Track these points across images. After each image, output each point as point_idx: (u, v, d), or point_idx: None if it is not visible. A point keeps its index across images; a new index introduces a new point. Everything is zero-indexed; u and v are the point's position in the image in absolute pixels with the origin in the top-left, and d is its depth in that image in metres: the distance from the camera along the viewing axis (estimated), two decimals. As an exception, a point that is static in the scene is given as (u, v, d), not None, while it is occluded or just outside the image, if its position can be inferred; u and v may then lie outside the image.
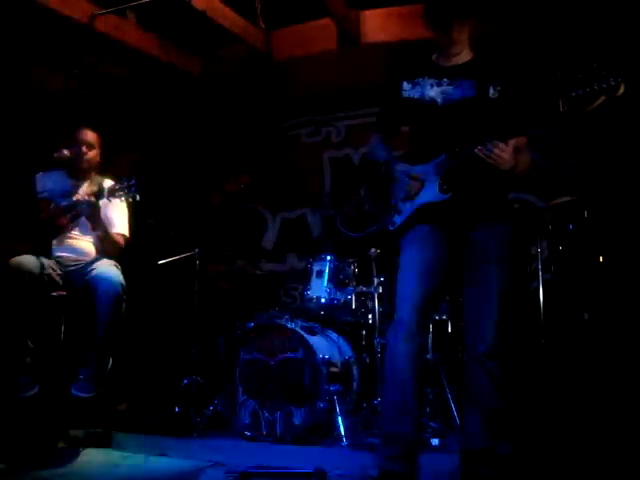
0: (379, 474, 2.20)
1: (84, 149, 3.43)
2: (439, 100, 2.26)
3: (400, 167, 2.34)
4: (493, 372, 2.17)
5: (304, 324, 3.68)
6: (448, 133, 2.21)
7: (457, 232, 2.25)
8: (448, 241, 2.26)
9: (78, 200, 3.20)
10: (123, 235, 3.46)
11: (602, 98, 1.90)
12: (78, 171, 3.47)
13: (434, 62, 2.36)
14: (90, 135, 3.48)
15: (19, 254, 3.15)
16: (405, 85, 2.34)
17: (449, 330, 3.79)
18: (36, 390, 3.07)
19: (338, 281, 3.77)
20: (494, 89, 2.22)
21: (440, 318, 3.78)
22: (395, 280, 2.36)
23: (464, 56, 2.31)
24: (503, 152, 2.09)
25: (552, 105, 2.00)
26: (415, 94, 2.31)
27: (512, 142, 2.12)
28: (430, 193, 2.25)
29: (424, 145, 2.31)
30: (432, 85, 2.28)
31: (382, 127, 2.54)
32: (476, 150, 2.11)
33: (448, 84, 2.26)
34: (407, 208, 2.32)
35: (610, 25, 3.79)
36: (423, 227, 2.29)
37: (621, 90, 1.87)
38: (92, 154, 3.47)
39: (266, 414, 3.39)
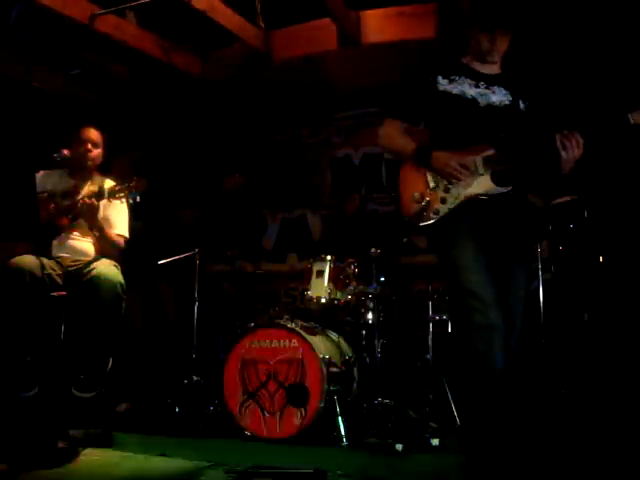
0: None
1: (89, 147, 3.43)
2: (479, 100, 2.28)
3: (444, 155, 2.27)
4: (515, 367, 2.18)
5: (304, 324, 3.68)
6: (493, 131, 2.23)
7: (498, 228, 2.26)
8: (490, 236, 2.25)
9: (78, 201, 3.20)
10: (123, 236, 3.46)
11: None
12: (81, 170, 3.47)
13: (468, 65, 2.37)
14: (95, 134, 3.48)
15: (19, 254, 3.15)
16: (441, 80, 2.33)
17: (449, 330, 3.79)
18: (36, 390, 3.06)
19: (338, 281, 3.77)
20: (523, 104, 2.29)
21: (440, 318, 3.78)
22: (395, 281, 2.37)
23: (497, 68, 2.35)
24: (577, 147, 2.10)
25: (623, 118, 2.05)
26: (453, 89, 2.31)
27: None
28: (482, 185, 2.24)
29: (467, 138, 2.29)
30: (470, 85, 2.30)
31: (409, 116, 2.47)
32: (557, 135, 2.11)
33: (485, 88, 2.29)
34: (453, 198, 2.27)
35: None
36: (470, 220, 2.25)
37: None
38: (96, 153, 3.47)
39: (266, 414, 3.39)
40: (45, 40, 4.36)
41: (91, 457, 2.79)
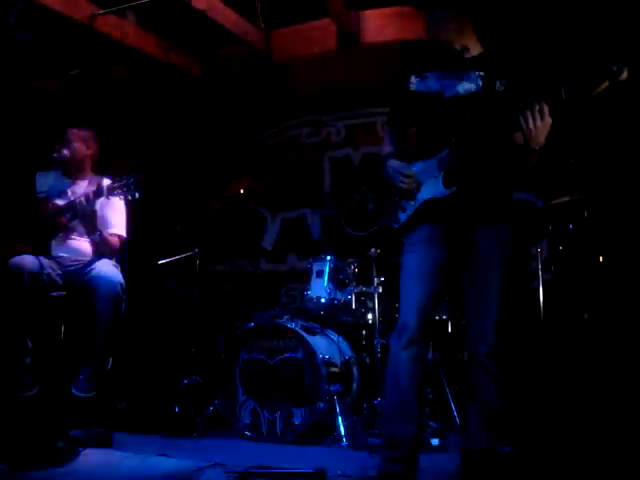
0: (379, 474, 2.21)
1: (64, 147, 3.44)
2: (444, 93, 2.25)
3: (393, 164, 2.33)
4: (494, 372, 2.17)
5: (304, 324, 3.68)
6: (452, 127, 2.20)
7: (459, 231, 2.24)
8: (450, 241, 2.25)
9: (75, 201, 3.19)
10: (119, 235, 3.45)
11: (605, 83, 1.90)
12: (70, 170, 3.47)
13: (443, 56, 2.35)
14: (70, 133, 3.49)
15: (19, 254, 3.15)
16: (413, 79, 2.35)
17: (449, 330, 3.79)
18: (36, 390, 3.07)
19: (338, 281, 3.77)
20: (500, 83, 2.21)
21: (440, 318, 3.78)
22: (395, 281, 2.36)
23: (472, 50, 2.30)
24: (540, 116, 2.00)
25: (555, 93, 1.98)
26: (422, 87, 2.31)
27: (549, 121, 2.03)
28: (433, 189, 2.23)
29: (428, 140, 2.30)
30: (439, 78, 2.28)
31: (393, 122, 2.53)
32: (521, 107, 2.02)
33: (455, 77, 2.25)
34: (411, 205, 2.30)
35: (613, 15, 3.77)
36: (425, 227, 2.28)
37: (624, 75, 1.88)
38: (70, 150, 3.45)
39: (266, 414, 3.39)
40: (45, 40, 4.36)
41: (91, 457, 2.79)
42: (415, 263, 2.27)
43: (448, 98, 2.24)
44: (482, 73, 2.21)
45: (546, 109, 1.99)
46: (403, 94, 2.38)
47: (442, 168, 2.21)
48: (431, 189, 2.24)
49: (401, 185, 2.28)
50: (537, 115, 2.00)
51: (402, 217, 2.34)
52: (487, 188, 2.23)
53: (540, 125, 2.00)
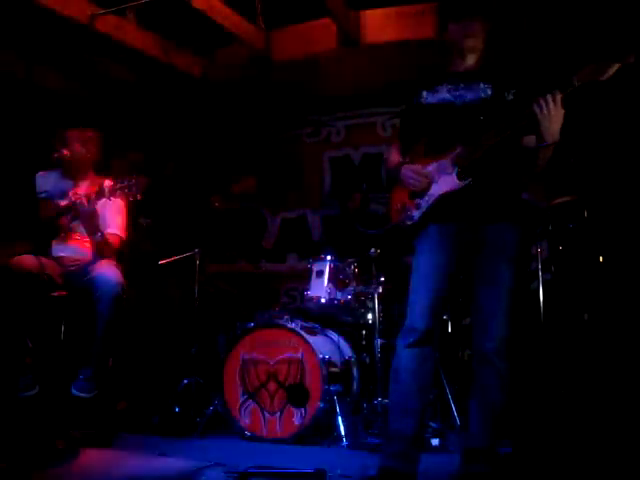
0: (378, 471, 2.22)
1: (63, 149, 3.44)
2: (456, 102, 2.31)
3: (410, 167, 2.37)
4: (500, 371, 2.19)
5: (304, 324, 3.68)
6: (464, 127, 2.25)
7: (469, 228, 2.27)
8: (461, 240, 2.28)
9: (75, 200, 3.19)
10: (119, 236, 3.44)
11: (616, 66, 1.96)
12: (71, 170, 3.47)
13: (451, 70, 2.41)
14: (70, 133, 3.49)
15: (19, 254, 3.15)
16: (425, 93, 2.40)
17: (449, 330, 3.79)
18: (36, 390, 3.07)
19: (338, 281, 3.77)
20: (509, 93, 2.28)
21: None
22: (396, 280, 2.39)
23: (480, 60, 2.37)
24: (554, 104, 2.05)
25: (567, 81, 2.04)
26: (433, 100, 2.37)
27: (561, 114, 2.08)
28: (448, 183, 2.27)
29: (440, 141, 2.34)
30: (449, 90, 2.34)
31: (403, 136, 2.59)
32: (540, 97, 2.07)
33: (464, 88, 2.31)
34: (425, 202, 2.34)
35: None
36: (437, 225, 2.32)
37: (631, 59, 1.96)
38: (67, 152, 3.45)
39: (266, 414, 3.39)
40: (45, 40, 4.36)
41: (91, 457, 2.79)
42: (425, 264, 2.31)
43: (460, 105, 2.30)
44: (490, 85, 2.28)
45: (559, 98, 2.05)
46: (414, 108, 2.44)
47: (456, 164, 2.26)
48: (446, 184, 2.28)
49: (415, 183, 2.32)
50: (550, 102, 2.04)
51: (416, 214, 2.36)
52: (500, 183, 2.27)
53: (554, 113, 2.05)
